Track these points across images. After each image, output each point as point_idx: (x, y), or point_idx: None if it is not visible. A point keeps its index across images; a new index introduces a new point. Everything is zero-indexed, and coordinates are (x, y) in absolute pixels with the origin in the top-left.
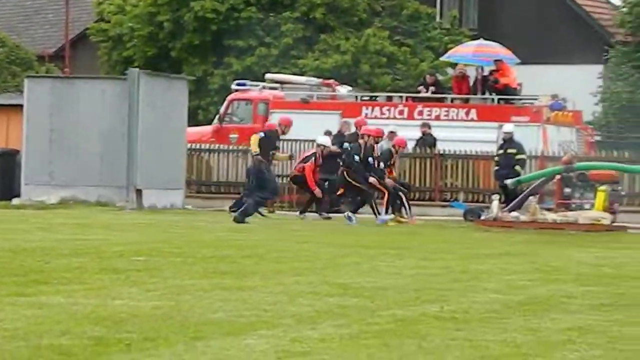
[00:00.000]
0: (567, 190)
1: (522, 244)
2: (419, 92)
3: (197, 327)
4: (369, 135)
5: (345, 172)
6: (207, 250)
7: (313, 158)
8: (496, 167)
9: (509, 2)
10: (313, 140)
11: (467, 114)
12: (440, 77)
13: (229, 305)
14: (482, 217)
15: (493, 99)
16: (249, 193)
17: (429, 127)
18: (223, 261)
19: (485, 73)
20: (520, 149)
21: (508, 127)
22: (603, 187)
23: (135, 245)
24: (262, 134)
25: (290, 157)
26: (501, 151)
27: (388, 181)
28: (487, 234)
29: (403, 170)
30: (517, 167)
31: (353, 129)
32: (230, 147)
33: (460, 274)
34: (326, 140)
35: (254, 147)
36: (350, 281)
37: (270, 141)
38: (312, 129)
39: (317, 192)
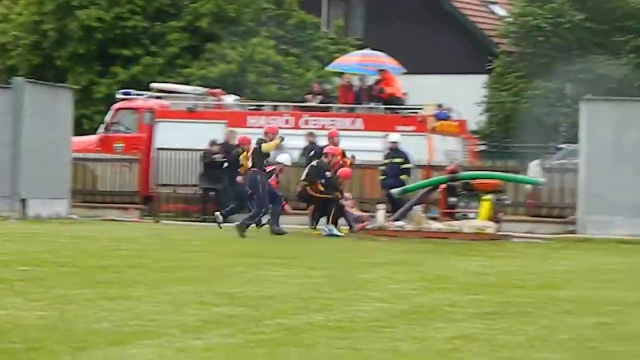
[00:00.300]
0: (452, 199)
1: (407, 253)
2: (306, 100)
3: (81, 337)
4: (333, 155)
5: (308, 188)
6: (92, 259)
7: (274, 175)
8: (382, 177)
9: (395, 13)
10: (199, 150)
11: (352, 123)
12: (327, 86)
13: (114, 315)
14: (368, 226)
15: (379, 109)
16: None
17: (315, 136)
18: (108, 271)
19: (370, 82)
20: (406, 158)
21: (394, 136)
22: (488, 197)
23: (20, 255)
24: (255, 145)
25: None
26: (387, 160)
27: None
28: (372, 243)
29: (288, 179)
30: (403, 176)
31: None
32: (116, 156)
33: (345, 283)
34: (286, 159)
35: (247, 163)
36: (235, 290)
37: (262, 152)
38: (198, 138)
39: (287, 207)
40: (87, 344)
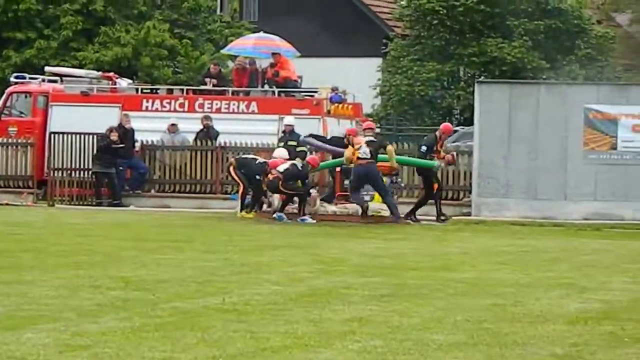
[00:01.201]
0: (347, 182)
1: (303, 236)
2: (204, 83)
3: None
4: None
5: (281, 183)
6: None
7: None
8: None
9: None
10: (94, 134)
11: (247, 106)
12: (222, 70)
13: (8, 300)
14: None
15: (274, 92)
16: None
17: (210, 119)
18: (1, 255)
19: (265, 65)
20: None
21: (289, 119)
22: (383, 179)
23: None
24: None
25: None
26: (282, 143)
27: None
28: (267, 226)
29: (184, 163)
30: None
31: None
32: (9, 140)
33: (241, 266)
34: (283, 153)
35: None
36: (131, 274)
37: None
38: (93, 122)
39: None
40: None
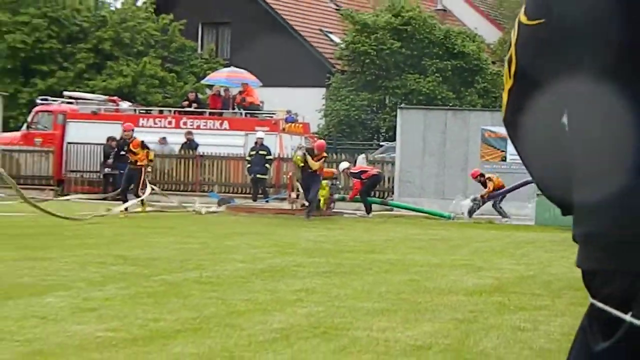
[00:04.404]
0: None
1: (263, 225)
2: (183, 106)
3: (8, 289)
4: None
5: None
6: (18, 229)
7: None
8: (249, 165)
9: (255, 39)
10: (101, 144)
11: (221, 124)
12: (200, 96)
13: (34, 272)
14: (233, 204)
15: (242, 113)
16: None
17: (192, 134)
18: (29, 238)
19: (235, 93)
20: (269, 151)
21: (261, 134)
22: (325, 182)
23: None
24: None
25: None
26: (253, 152)
27: None
28: (235, 217)
29: (171, 168)
30: (267, 165)
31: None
32: (35, 148)
33: (215, 248)
34: (346, 165)
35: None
36: (128, 253)
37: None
38: (101, 135)
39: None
40: (13, 294)
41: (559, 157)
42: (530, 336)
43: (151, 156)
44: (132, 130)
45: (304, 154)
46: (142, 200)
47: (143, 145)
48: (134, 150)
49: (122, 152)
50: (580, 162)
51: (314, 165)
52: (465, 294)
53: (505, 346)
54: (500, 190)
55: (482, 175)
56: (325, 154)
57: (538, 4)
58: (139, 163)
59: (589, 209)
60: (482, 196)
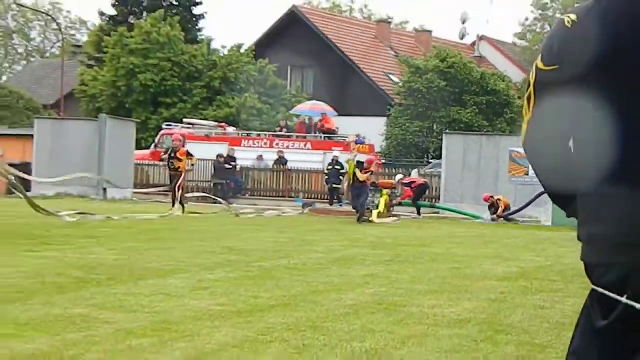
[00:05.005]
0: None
1: (337, 224)
2: (276, 131)
3: (140, 272)
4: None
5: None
6: (147, 226)
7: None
8: (326, 177)
9: (332, 78)
10: (212, 160)
11: (305, 145)
12: (289, 123)
13: (160, 259)
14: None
15: (321, 137)
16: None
17: (283, 152)
18: (155, 234)
19: (316, 121)
20: (342, 167)
21: (336, 153)
22: (386, 191)
23: (105, 222)
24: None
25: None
26: (330, 167)
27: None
28: (316, 218)
29: (266, 179)
30: (341, 177)
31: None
32: (162, 163)
33: (300, 242)
34: (400, 176)
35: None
36: (233, 245)
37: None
38: (213, 154)
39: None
40: (144, 276)
41: (566, 173)
42: (549, 312)
43: (193, 161)
44: (180, 140)
45: (355, 159)
46: (182, 204)
47: (188, 154)
48: (179, 157)
49: (228, 167)
50: (582, 177)
51: (362, 177)
52: (496, 279)
53: (528, 320)
54: (521, 207)
55: (491, 197)
56: (372, 169)
57: (553, 53)
58: (180, 169)
59: (590, 215)
60: (498, 215)
